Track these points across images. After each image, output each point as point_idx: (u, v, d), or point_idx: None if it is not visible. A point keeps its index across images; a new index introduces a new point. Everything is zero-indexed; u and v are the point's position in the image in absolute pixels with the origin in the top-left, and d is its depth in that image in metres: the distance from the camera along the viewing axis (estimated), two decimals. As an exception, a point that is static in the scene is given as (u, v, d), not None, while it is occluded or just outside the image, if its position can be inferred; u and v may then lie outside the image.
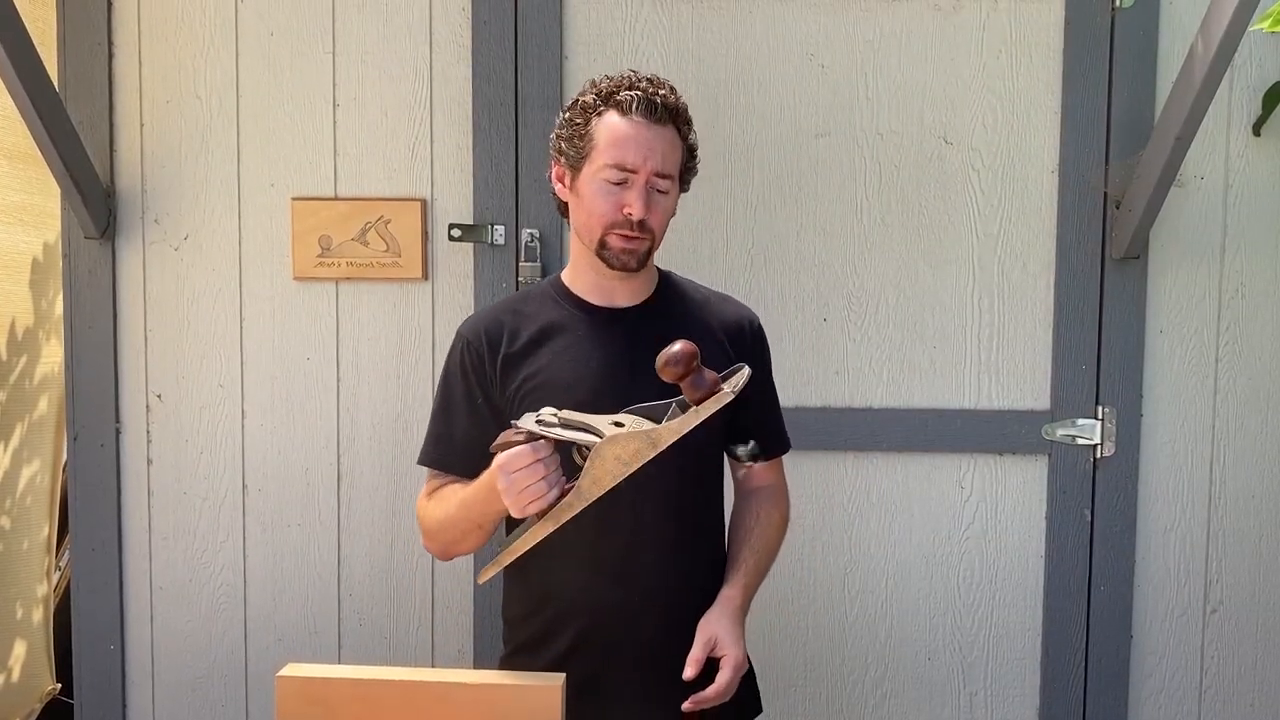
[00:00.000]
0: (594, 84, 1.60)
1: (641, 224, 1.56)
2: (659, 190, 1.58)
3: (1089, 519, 2.32)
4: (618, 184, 1.56)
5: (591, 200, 1.58)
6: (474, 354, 1.65)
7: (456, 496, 1.60)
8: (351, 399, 2.38)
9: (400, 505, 2.38)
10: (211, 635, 2.43)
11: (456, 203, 2.34)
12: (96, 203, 2.32)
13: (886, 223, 2.31)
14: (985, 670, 2.37)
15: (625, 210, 1.56)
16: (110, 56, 2.35)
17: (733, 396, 1.40)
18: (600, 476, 1.41)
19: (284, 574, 2.41)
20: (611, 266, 1.60)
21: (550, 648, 1.65)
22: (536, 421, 1.42)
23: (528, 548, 1.48)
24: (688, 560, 1.66)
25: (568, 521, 1.45)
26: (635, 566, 1.62)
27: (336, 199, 2.35)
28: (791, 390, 2.32)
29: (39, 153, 2.23)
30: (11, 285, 2.67)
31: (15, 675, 2.71)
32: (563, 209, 1.68)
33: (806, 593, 2.37)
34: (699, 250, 2.31)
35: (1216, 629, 2.35)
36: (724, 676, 1.51)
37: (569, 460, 1.45)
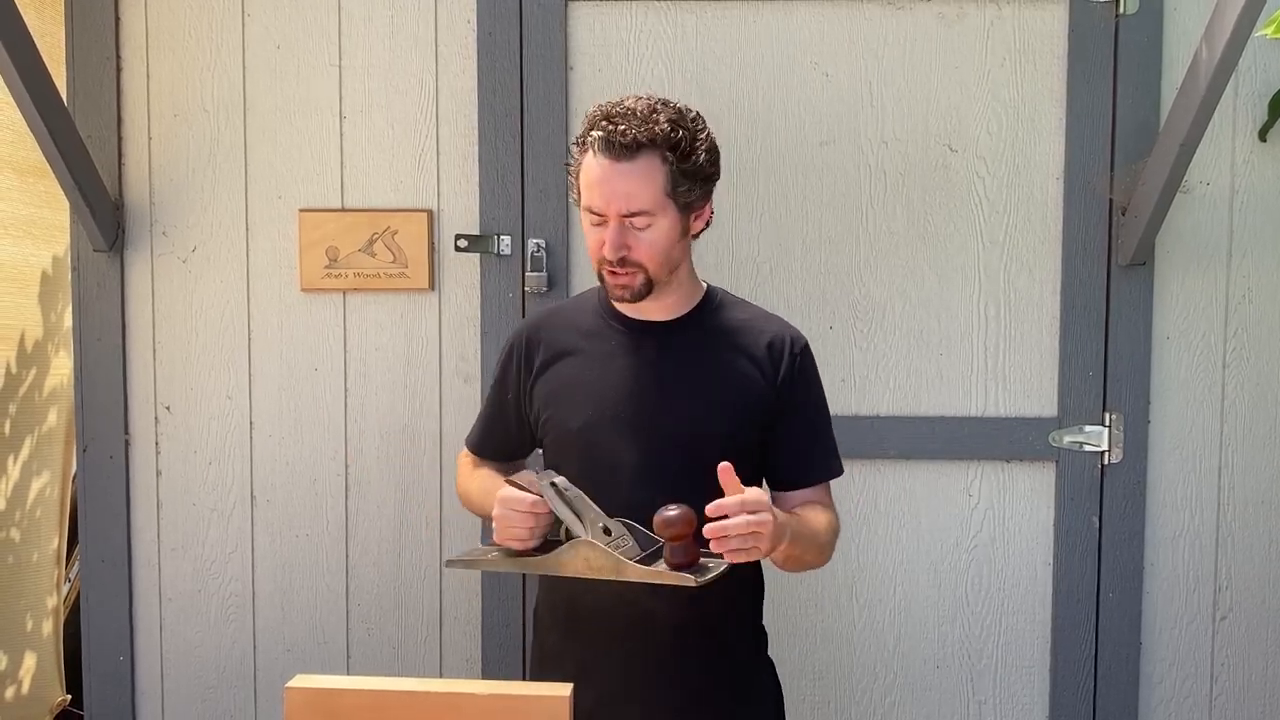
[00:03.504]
0: (590, 112, 1.59)
1: (623, 260, 1.56)
2: (636, 227, 1.55)
3: (1097, 526, 2.31)
4: (598, 225, 1.57)
5: (587, 239, 1.61)
6: (516, 354, 1.73)
7: (478, 484, 1.74)
8: (359, 409, 2.38)
9: (408, 515, 2.38)
10: (220, 645, 2.43)
11: (462, 213, 2.35)
12: (105, 216, 2.34)
13: (892, 230, 2.32)
14: (994, 678, 2.36)
15: (604, 250, 1.57)
16: (118, 70, 2.36)
17: (694, 584, 1.44)
18: (566, 564, 1.52)
19: (292, 584, 2.41)
20: (612, 296, 1.63)
21: (569, 658, 1.65)
22: (551, 484, 1.52)
23: (490, 569, 1.62)
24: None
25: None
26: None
27: (343, 210, 2.36)
28: (798, 398, 2.32)
29: (48, 166, 2.24)
30: (21, 298, 2.68)
31: (25, 687, 2.72)
32: None
33: (814, 600, 2.37)
34: (703, 259, 2.30)
35: (1226, 636, 2.34)
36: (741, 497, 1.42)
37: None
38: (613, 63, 2.31)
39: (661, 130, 1.53)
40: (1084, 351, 2.30)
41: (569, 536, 1.52)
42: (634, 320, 1.67)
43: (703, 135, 1.60)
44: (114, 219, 2.37)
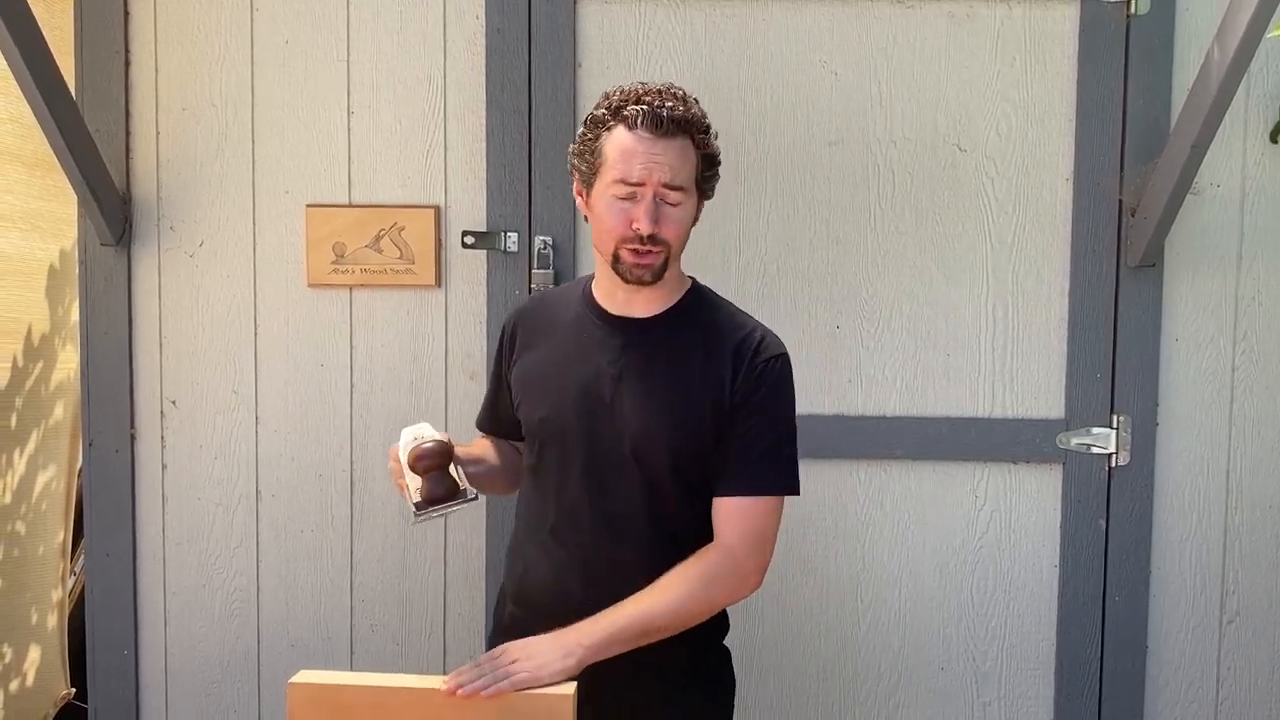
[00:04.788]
0: (606, 97, 1.60)
1: (653, 238, 1.55)
2: (669, 203, 1.56)
3: (1104, 528, 2.30)
4: (626, 199, 1.55)
5: (603, 216, 1.58)
6: (507, 335, 1.78)
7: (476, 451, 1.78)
8: (364, 405, 2.38)
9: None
10: (225, 640, 2.43)
11: (470, 210, 2.35)
12: (112, 210, 2.34)
13: (900, 230, 2.31)
14: (999, 680, 2.35)
15: (634, 225, 1.55)
16: (127, 65, 2.37)
17: (413, 518, 1.51)
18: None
19: (297, 579, 2.41)
20: (626, 280, 1.60)
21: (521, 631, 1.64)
22: (414, 437, 1.56)
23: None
24: (661, 571, 1.59)
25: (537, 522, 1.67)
26: (611, 572, 1.62)
27: (350, 206, 2.36)
28: (805, 399, 2.28)
29: (55, 160, 2.24)
30: (28, 292, 2.68)
31: (30, 680, 2.72)
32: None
33: (820, 601, 2.36)
34: (710, 258, 2.31)
35: (1233, 640, 2.33)
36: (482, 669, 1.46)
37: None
38: (621, 60, 2.31)
39: (697, 115, 1.58)
40: (1092, 353, 2.29)
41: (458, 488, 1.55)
42: (611, 315, 1.66)
43: (711, 125, 1.63)
44: (121, 213, 2.37)
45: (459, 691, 1.44)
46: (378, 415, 2.38)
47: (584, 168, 1.60)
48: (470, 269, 2.35)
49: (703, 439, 1.60)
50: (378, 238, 2.35)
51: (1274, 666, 2.33)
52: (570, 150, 1.64)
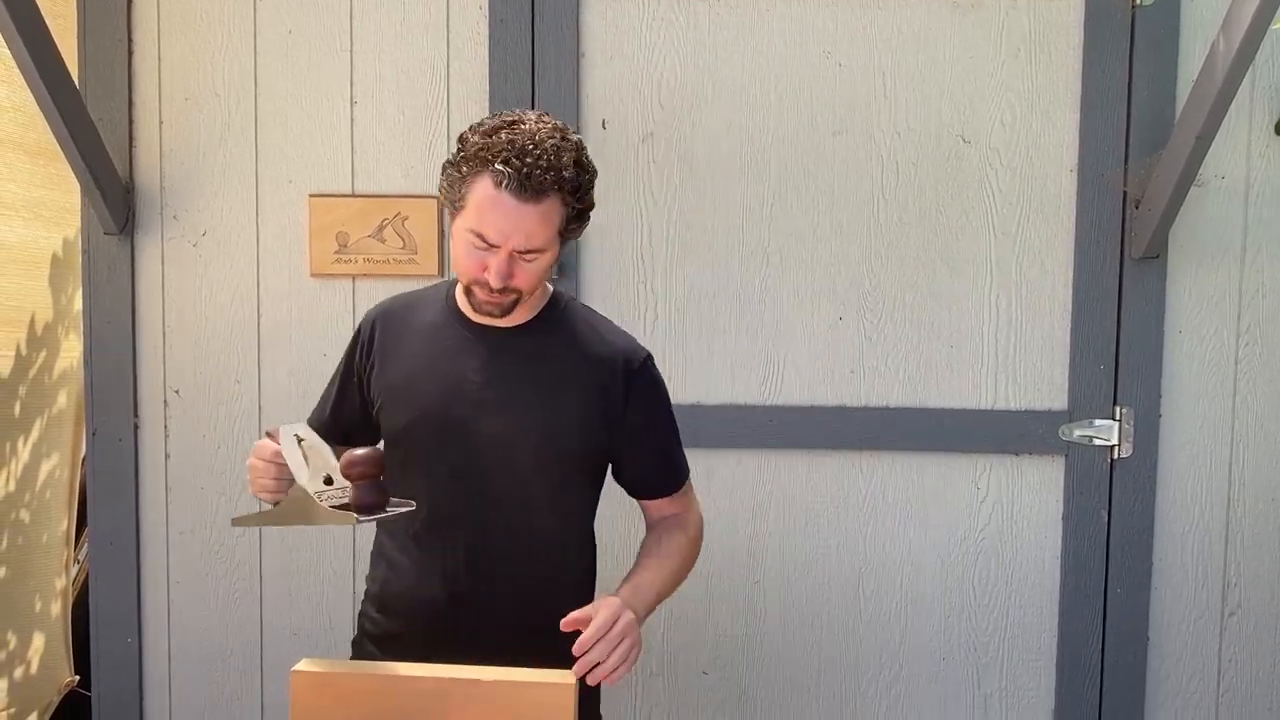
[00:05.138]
0: (480, 126, 1.53)
1: (505, 288, 1.54)
2: (525, 260, 1.52)
3: (1106, 520, 2.30)
4: (481, 249, 1.52)
5: (460, 253, 1.55)
6: (365, 336, 1.72)
7: None
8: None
9: (415, 501, 2.38)
10: (228, 628, 2.44)
11: (473, 200, 2.34)
12: (116, 199, 2.34)
13: (903, 221, 2.30)
14: (1000, 672, 2.36)
15: (485, 273, 1.53)
16: (130, 53, 2.36)
17: (354, 522, 1.43)
18: (287, 514, 1.50)
19: (300, 568, 2.42)
20: (478, 311, 1.60)
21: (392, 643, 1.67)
22: (295, 436, 1.49)
23: (259, 525, 1.62)
24: (529, 576, 1.63)
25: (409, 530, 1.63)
26: (475, 578, 1.63)
27: (354, 196, 2.36)
28: (806, 389, 2.31)
29: (58, 149, 2.24)
30: (31, 281, 2.68)
31: (34, 667, 2.73)
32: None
33: (820, 592, 2.36)
34: (713, 248, 2.31)
35: (1235, 632, 2.33)
36: (599, 618, 1.44)
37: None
38: (625, 50, 2.30)
39: (569, 174, 1.50)
40: (1095, 345, 2.28)
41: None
42: (476, 324, 1.64)
43: (590, 170, 1.56)
44: (124, 202, 2.37)
45: (601, 677, 1.43)
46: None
47: (449, 195, 1.55)
48: (473, 259, 2.35)
49: (574, 441, 1.63)
50: (381, 227, 2.35)
51: (1276, 659, 2.33)
52: (446, 159, 1.56)
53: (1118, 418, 2.28)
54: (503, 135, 1.49)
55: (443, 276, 2.35)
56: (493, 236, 1.50)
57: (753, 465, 2.33)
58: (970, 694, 2.36)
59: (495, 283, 1.52)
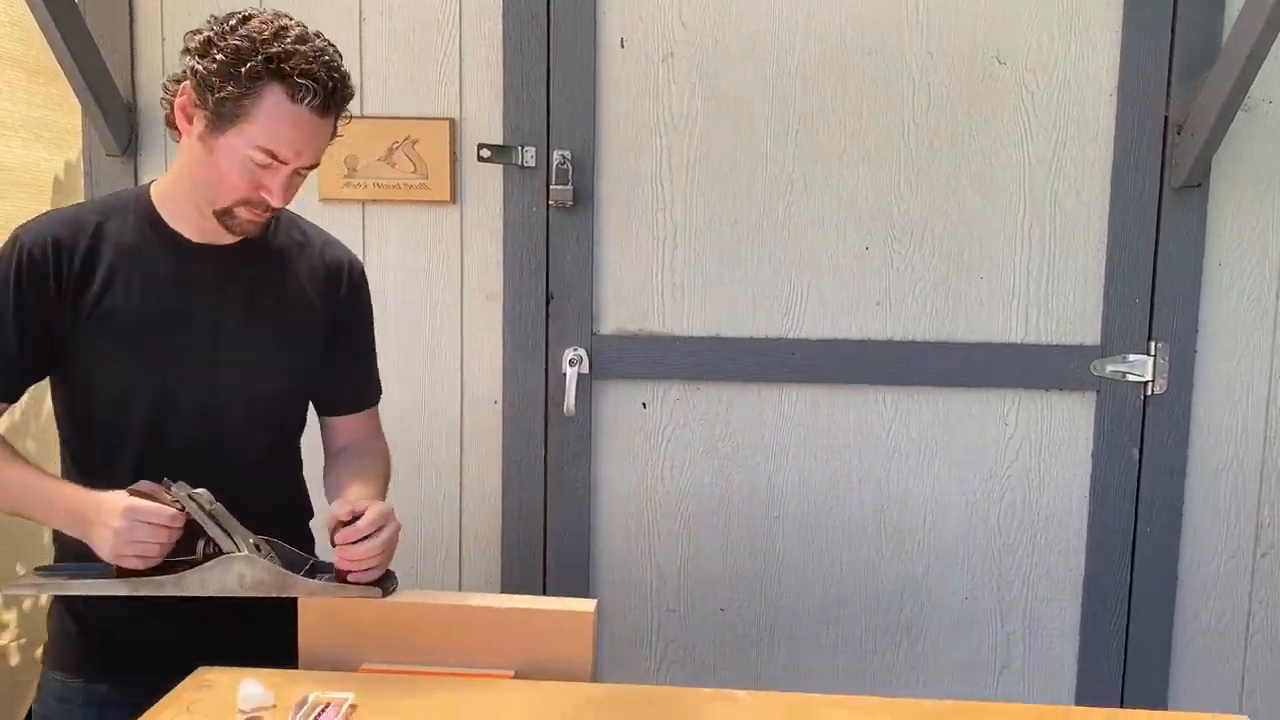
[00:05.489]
0: (236, 35, 1.38)
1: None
2: (300, 176, 1.46)
3: (1137, 458, 2.24)
4: (262, 166, 1.41)
5: (228, 171, 1.42)
6: (36, 268, 1.44)
7: (15, 476, 1.46)
8: (378, 324, 2.31)
9: (429, 434, 2.33)
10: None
11: (486, 123, 2.27)
12: (118, 119, 2.27)
13: (934, 147, 2.22)
14: (1024, 610, 2.31)
15: (262, 193, 1.43)
16: (130, -33, 2.28)
17: (380, 595, 1.45)
18: (211, 581, 1.40)
19: (311, 498, 2.37)
20: (231, 232, 1.49)
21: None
22: (189, 496, 1.38)
23: (87, 594, 1.44)
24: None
25: None
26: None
27: (362, 118, 2.27)
28: (830, 321, 2.24)
29: (58, 68, 2.16)
30: (32, 203, 2.63)
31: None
32: (172, 125, 1.46)
33: (841, 529, 2.31)
34: (735, 173, 2.23)
35: (1266, 573, 2.27)
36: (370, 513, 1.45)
37: (188, 544, 1.40)
38: (645, -36, 2.20)
39: (351, 89, 1.46)
40: (1131, 277, 2.20)
41: (209, 554, 1.40)
42: (192, 244, 1.51)
43: None
44: (127, 122, 2.30)
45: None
46: (390, 335, 2.31)
47: (218, 109, 1.38)
48: (486, 184, 2.28)
49: (313, 361, 1.63)
50: (390, 151, 2.27)
51: (1307, 600, 2.28)
52: (198, 66, 1.39)
53: (1152, 353, 2.21)
54: (287, 44, 1.37)
55: (455, 203, 2.28)
56: (286, 153, 1.41)
57: (773, 399, 2.27)
58: (994, 632, 2.32)
59: (278, 202, 1.44)
